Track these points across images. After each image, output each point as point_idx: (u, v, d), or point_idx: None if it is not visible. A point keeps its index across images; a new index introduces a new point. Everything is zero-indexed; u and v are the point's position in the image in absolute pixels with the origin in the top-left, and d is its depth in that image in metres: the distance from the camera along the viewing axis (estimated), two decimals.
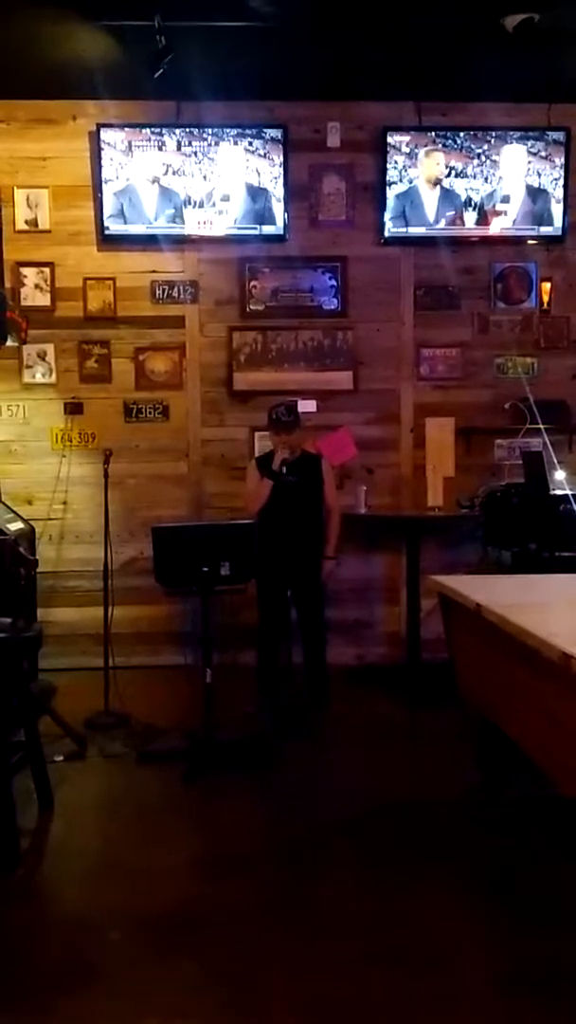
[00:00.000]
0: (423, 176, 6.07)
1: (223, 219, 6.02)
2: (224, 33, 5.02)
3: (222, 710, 4.58)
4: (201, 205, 5.99)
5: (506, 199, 6.10)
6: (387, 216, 6.08)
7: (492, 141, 6.05)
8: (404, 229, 6.11)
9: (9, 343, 5.60)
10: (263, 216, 6.02)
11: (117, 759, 4.55)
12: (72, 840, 3.73)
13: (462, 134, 6.04)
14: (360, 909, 3.13)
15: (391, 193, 6.05)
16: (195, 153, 5.94)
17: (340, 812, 3.92)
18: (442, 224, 6.11)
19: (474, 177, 6.08)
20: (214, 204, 5.98)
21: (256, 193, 6.00)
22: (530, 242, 6.23)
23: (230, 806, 4.00)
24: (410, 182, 6.05)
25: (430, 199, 6.09)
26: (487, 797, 4.00)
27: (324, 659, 5.31)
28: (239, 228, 6.03)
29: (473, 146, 6.05)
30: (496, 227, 6.15)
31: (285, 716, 5.05)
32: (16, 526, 5.30)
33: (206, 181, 5.97)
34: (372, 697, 5.62)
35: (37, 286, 6.11)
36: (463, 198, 6.09)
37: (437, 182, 6.07)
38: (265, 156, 5.95)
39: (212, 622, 4.66)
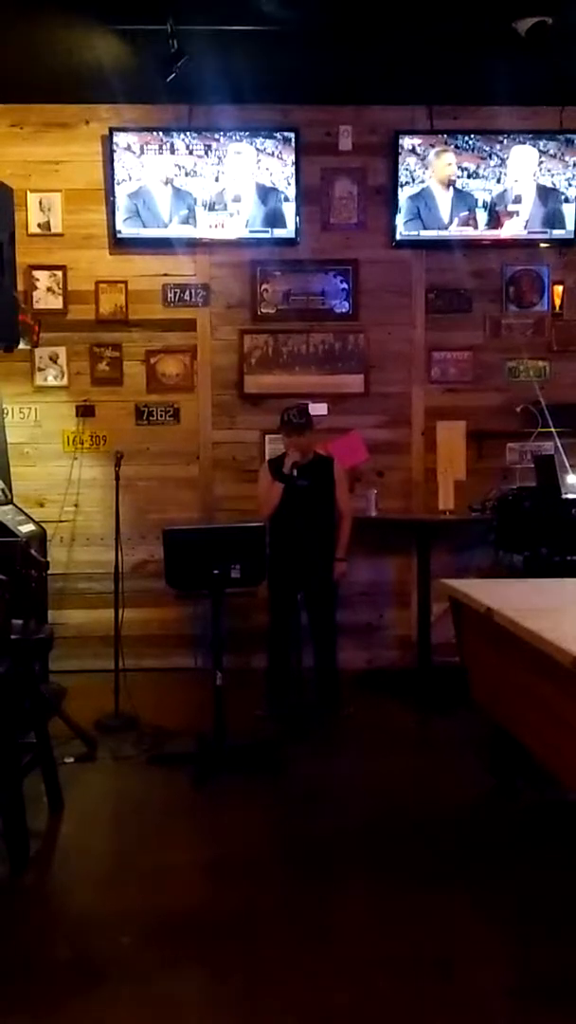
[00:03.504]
0: (435, 177, 6.07)
1: (235, 222, 6.03)
2: (236, 37, 5.03)
3: (232, 714, 4.57)
4: (213, 207, 6.00)
5: (518, 199, 6.09)
6: (400, 219, 6.08)
7: (504, 141, 6.04)
8: (417, 232, 6.11)
9: (21, 346, 5.61)
10: (275, 219, 6.03)
11: (127, 761, 4.56)
12: (81, 842, 3.74)
13: (473, 134, 6.03)
14: (369, 914, 3.12)
15: (404, 195, 6.05)
16: (207, 154, 5.96)
17: (350, 817, 3.90)
18: (454, 226, 6.11)
19: (487, 178, 6.07)
20: (225, 206, 6.00)
21: (267, 193, 6.00)
22: (542, 245, 6.22)
23: (239, 810, 3.99)
24: (422, 183, 6.05)
25: (444, 200, 6.08)
26: (499, 802, 3.98)
27: (335, 663, 5.30)
28: (251, 232, 6.04)
29: (484, 146, 6.04)
30: (508, 230, 6.14)
31: (295, 720, 5.04)
32: (27, 528, 5.30)
33: (217, 182, 5.98)
34: (382, 701, 5.60)
35: (49, 289, 6.13)
36: (475, 199, 6.08)
37: (450, 183, 6.07)
38: (276, 155, 5.96)
39: (222, 625, 4.65)
